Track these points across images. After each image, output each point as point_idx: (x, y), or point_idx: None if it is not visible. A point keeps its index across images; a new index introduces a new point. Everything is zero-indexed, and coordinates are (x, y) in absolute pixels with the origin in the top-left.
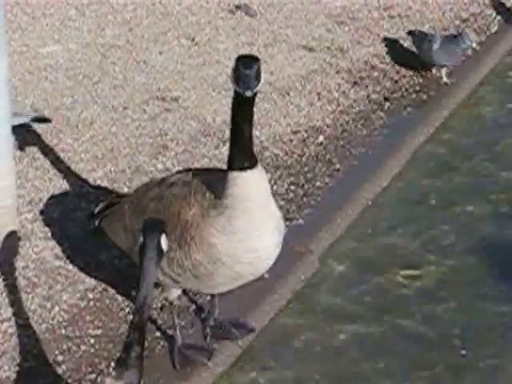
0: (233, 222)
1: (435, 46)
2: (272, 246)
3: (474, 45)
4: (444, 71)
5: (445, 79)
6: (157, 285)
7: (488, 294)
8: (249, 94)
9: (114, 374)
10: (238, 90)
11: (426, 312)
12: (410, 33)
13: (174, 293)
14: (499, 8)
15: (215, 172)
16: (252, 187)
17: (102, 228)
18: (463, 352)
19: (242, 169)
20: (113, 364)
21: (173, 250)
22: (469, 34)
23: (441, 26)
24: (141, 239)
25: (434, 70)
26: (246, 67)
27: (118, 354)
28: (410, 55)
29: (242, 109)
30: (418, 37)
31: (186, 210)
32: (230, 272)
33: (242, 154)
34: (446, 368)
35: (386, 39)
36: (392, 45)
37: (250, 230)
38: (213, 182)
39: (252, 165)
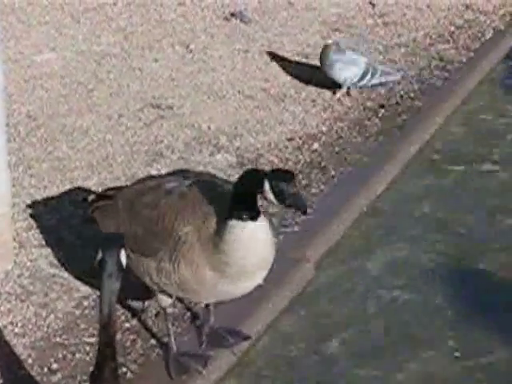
0: (226, 266)
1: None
2: (260, 281)
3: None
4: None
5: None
6: (152, 292)
7: (484, 302)
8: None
9: None
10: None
11: (422, 316)
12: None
13: (166, 300)
14: (493, 15)
15: (212, 183)
16: (249, 240)
17: (94, 218)
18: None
19: (242, 219)
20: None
21: (163, 260)
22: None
23: (436, 34)
24: (99, 255)
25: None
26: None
27: (91, 371)
28: (404, 62)
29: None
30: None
31: (181, 225)
32: (216, 294)
33: (244, 206)
34: None
35: (380, 46)
36: (387, 52)
37: (242, 275)
38: (212, 201)
39: (253, 216)
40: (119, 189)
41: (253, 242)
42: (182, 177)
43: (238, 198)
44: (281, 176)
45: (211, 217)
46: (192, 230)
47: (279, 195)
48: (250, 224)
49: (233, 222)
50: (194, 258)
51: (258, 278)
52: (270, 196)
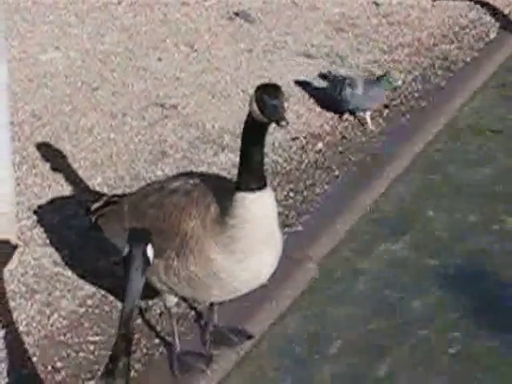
0: (235, 242)
1: (358, 91)
2: (269, 267)
3: (400, 83)
4: (368, 116)
5: (370, 125)
6: (156, 292)
7: (481, 298)
8: (284, 124)
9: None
10: (266, 120)
11: (425, 316)
12: (323, 77)
13: (172, 300)
14: (498, 15)
15: (216, 180)
16: (258, 210)
17: (98, 225)
18: None
19: (251, 190)
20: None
21: (170, 258)
22: (393, 75)
23: (440, 34)
24: (126, 249)
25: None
26: (273, 97)
27: (104, 365)
28: (408, 62)
29: (257, 133)
30: (335, 81)
31: (187, 221)
32: (225, 286)
33: (252, 176)
34: None
35: (384, 46)
36: (391, 52)
37: (251, 252)
38: (216, 194)
39: (261, 187)
40: (122, 196)
41: (262, 211)
42: (186, 177)
43: (245, 168)
44: (266, 89)
45: (213, 204)
46: (197, 223)
47: (261, 106)
48: (259, 194)
49: (241, 194)
50: (202, 248)
51: (267, 262)
52: (254, 107)
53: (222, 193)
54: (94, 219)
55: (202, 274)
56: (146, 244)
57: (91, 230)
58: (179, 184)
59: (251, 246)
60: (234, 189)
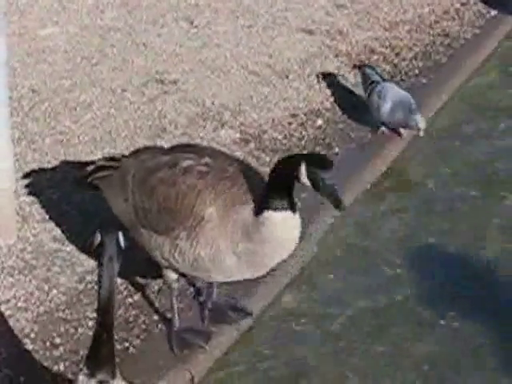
0: (252, 255)
1: (386, 106)
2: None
3: (421, 134)
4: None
5: (382, 129)
6: (155, 268)
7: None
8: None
9: (86, 371)
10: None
11: (418, 295)
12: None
13: (172, 276)
14: None
15: (228, 162)
16: (285, 232)
17: (95, 185)
18: None
19: (279, 210)
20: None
21: (179, 238)
22: (419, 119)
23: (441, 10)
24: (98, 238)
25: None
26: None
27: (87, 352)
28: (410, 39)
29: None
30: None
31: (201, 205)
32: (226, 274)
33: (281, 197)
34: None
35: (385, 23)
36: (392, 28)
37: (264, 264)
38: (232, 182)
39: (289, 207)
40: (118, 160)
41: (287, 235)
42: (194, 153)
43: (274, 188)
44: (319, 162)
45: (236, 201)
46: (215, 211)
47: (315, 182)
48: (286, 216)
49: (269, 213)
50: (215, 239)
51: (273, 265)
52: (306, 181)
53: (238, 184)
54: (90, 179)
55: (208, 259)
56: (118, 231)
57: (79, 187)
58: (191, 163)
59: (266, 261)
60: (252, 179)
